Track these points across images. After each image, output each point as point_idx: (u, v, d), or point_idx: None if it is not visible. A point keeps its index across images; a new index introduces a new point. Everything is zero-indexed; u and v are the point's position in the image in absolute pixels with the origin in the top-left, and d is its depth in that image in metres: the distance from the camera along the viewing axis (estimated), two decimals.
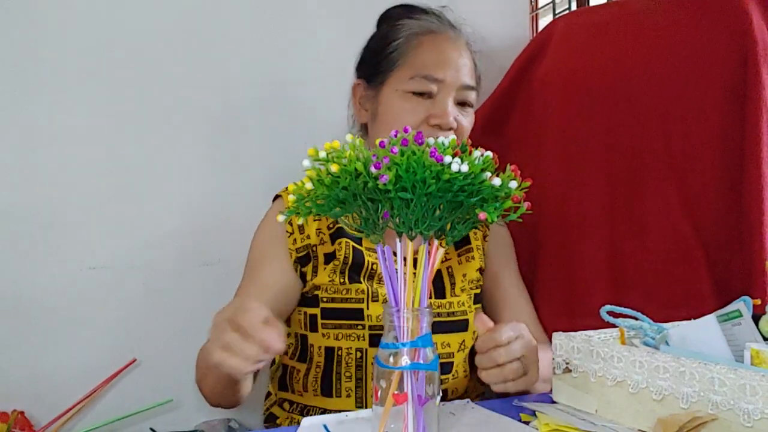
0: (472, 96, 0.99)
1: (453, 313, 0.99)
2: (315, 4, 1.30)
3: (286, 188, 1.01)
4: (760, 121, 0.96)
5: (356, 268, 0.96)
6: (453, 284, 1.01)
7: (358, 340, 0.93)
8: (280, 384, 1.04)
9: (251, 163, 1.25)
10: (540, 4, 1.51)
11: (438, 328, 0.95)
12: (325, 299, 0.95)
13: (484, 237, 1.08)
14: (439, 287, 1.00)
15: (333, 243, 0.97)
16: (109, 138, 1.15)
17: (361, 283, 0.95)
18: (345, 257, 0.96)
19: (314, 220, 0.98)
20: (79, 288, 1.12)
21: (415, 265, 0.64)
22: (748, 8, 1.00)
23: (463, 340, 0.98)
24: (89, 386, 1.11)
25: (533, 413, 0.74)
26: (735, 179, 0.98)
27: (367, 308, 0.93)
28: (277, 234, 0.99)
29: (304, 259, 0.97)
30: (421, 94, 0.96)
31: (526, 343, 0.77)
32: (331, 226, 0.99)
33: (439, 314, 0.97)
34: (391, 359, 0.63)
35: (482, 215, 0.61)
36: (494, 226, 1.10)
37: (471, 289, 1.03)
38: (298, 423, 0.73)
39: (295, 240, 0.98)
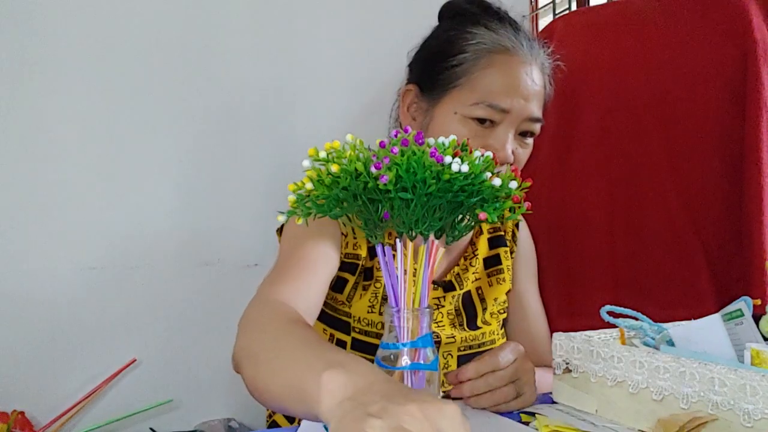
0: (536, 127, 0.90)
1: (483, 344, 0.95)
2: (315, 4, 1.30)
3: None
4: (760, 121, 0.96)
5: None
6: (484, 309, 0.96)
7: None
8: None
9: (251, 163, 1.24)
10: (540, 4, 1.51)
11: (467, 361, 0.92)
12: (357, 330, 0.89)
13: (511, 253, 1.02)
14: (471, 313, 0.95)
15: (372, 258, 0.89)
16: (109, 138, 1.15)
17: None
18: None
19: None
20: (79, 288, 1.12)
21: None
22: (748, 8, 1.00)
23: None
24: (89, 386, 1.11)
25: (533, 413, 0.74)
26: (735, 179, 0.98)
27: None
28: (327, 224, 0.84)
29: (349, 267, 0.88)
30: (481, 121, 0.86)
31: (521, 364, 0.75)
32: None
33: (470, 347, 0.93)
34: (391, 359, 0.63)
35: (482, 215, 0.61)
36: (521, 241, 1.05)
37: (500, 313, 0.99)
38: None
39: (347, 244, 0.87)
